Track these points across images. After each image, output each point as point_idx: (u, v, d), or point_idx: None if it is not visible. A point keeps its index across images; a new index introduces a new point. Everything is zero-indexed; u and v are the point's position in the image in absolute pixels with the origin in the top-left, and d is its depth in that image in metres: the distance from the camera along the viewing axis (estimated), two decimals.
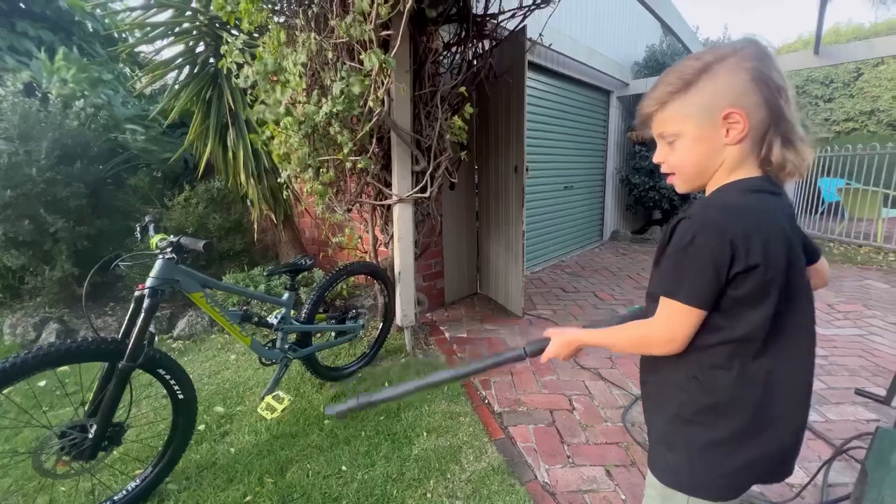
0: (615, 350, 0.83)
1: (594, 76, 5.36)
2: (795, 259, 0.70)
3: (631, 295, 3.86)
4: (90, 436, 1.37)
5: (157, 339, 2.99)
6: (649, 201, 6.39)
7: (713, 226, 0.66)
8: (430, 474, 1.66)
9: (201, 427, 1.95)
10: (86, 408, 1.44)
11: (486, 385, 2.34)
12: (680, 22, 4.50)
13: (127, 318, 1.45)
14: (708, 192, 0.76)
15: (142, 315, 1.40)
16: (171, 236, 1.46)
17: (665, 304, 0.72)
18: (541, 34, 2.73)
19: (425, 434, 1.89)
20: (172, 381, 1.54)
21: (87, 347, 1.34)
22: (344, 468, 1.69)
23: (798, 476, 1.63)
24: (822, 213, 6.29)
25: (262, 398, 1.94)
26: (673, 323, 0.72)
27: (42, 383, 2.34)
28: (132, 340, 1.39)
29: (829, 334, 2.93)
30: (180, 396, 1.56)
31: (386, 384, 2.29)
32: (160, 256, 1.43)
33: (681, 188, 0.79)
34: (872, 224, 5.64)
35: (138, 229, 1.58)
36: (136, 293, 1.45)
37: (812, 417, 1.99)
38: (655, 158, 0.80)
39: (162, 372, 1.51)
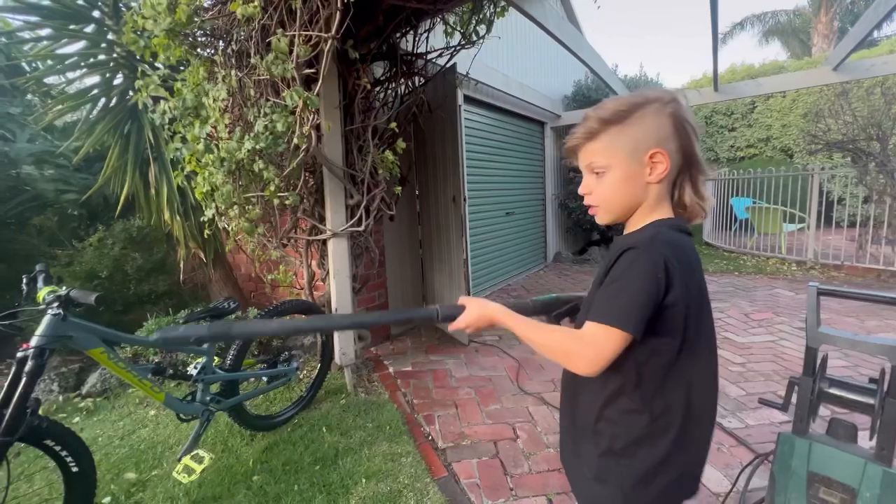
0: (531, 345, 0.78)
1: (528, 109, 5.69)
2: (704, 292, 0.77)
3: None
4: None
5: (61, 397, 2.67)
6: (587, 224, 6.76)
7: (660, 258, 0.69)
8: None
9: (106, 500, 1.72)
10: None
11: (431, 420, 2.28)
12: (599, 61, 4.92)
13: (7, 383, 1.27)
14: (630, 228, 0.80)
15: (23, 379, 1.23)
16: (62, 289, 1.31)
17: (597, 327, 0.72)
18: (467, 72, 2.87)
19: (364, 481, 1.79)
20: (64, 453, 1.35)
21: None
22: None
23: (724, 484, 1.72)
24: (735, 230, 6.96)
25: (180, 459, 1.76)
26: (601, 346, 0.71)
27: None
28: (10, 410, 1.21)
29: (746, 342, 3.18)
30: (74, 470, 1.37)
31: (324, 429, 2.17)
32: (48, 312, 1.28)
33: (603, 220, 0.81)
34: (777, 238, 6.32)
35: (24, 281, 1.41)
36: (19, 354, 1.28)
37: (732, 424, 2.12)
38: (582, 189, 0.81)
39: (50, 443, 1.32)
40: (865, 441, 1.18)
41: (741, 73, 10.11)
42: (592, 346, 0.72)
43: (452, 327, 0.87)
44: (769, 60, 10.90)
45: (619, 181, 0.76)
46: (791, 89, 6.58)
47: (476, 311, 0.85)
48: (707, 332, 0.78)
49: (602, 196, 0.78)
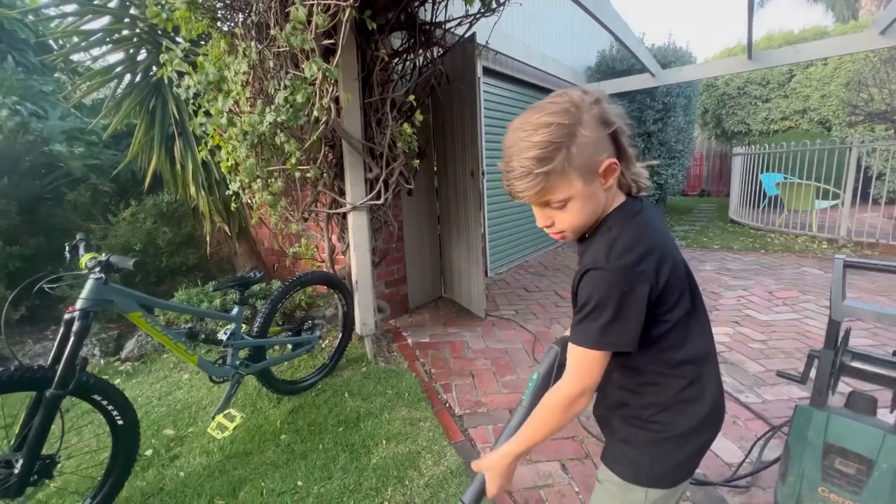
0: (547, 437, 0.78)
1: (550, 81, 5.52)
2: (682, 259, 0.77)
3: None
4: (16, 471, 1.28)
5: (103, 361, 2.85)
6: None
7: (625, 270, 0.70)
8: (389, 482, 1.66)
9: (148, 452, 1.86)
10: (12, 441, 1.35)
11: (448, 388, 2.35)
12: (625, 29, 4.70)
13: (56, 342, 1.37)
14: (590, 229, 0.80)
15: (71, 339, 1.33)
16: (102, 255, 1.40)
17: (583, 353, 0.73)
18: (487, 41, 2.80)
19: (384, 442, 1.88)
20: (110, 407, 1.46)
21: (10, 376, 1.26)
22: (300, 483, 1.66)
23: (738, 455, 1.74)
24: (763, 207, 6.71)
25: (213, 417, 1.88)
26: (592, 371, 0.73)
27: None
28: (61, 366, 1.31)
29: (769, 320, 3.12)
30: (119, 422, 1.49)
31: (346, 394, 2.27)
32: (90, 277, 1.36)
33: (573, 239, 0.81)
34: (808, 215, 6.08)
35: (67, 248, 1.50)
36: (66, 316, 1.38)
37: (749, 399, 2.12)
38: (542, 223, 0.79)
39: (98, 398, 1.43)
40: (884, 416, 1.18)
41: (779, 41, 9.48)
42: (585, 373, 0.74)
43: (491, 495, 0.83)
44: (811, 26, 10.16)
45: (584, 205, 0.74)
46: (832, 56, 6.17)
47: (492, 472, 0.82)
48: (700, 304, 0.80)
49: (569, 223, 0.76)
